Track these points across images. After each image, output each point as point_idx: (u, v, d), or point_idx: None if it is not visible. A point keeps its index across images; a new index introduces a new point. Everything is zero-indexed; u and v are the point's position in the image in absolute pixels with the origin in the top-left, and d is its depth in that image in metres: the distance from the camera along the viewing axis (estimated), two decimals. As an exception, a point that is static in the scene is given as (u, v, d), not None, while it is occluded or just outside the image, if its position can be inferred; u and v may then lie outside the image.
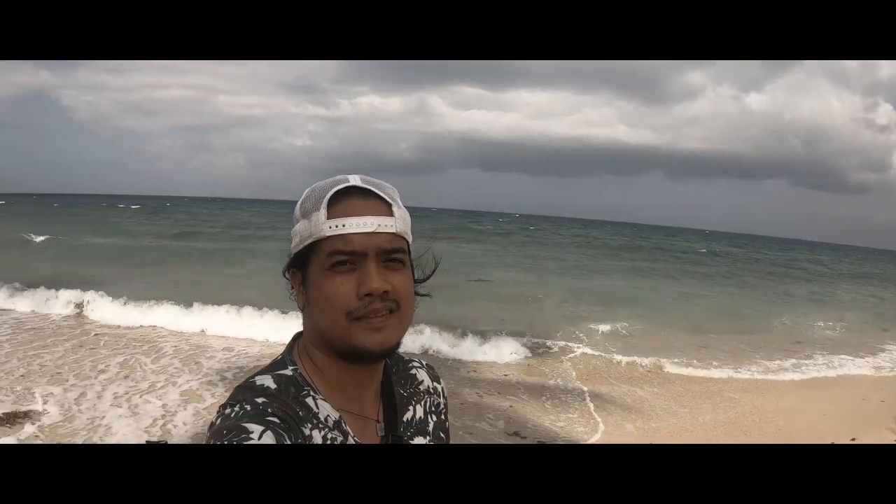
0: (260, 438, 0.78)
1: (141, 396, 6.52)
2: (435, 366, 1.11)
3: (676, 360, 9.69)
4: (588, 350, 9.94)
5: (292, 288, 0.96)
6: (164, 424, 5.83)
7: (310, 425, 0.87)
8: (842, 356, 11.03)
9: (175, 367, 7.73)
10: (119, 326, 9.74)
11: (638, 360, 9.46)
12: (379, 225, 0.88)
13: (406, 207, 0.93)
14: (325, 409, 0.90)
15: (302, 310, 0.94)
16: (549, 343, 10.05)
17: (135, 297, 10.83)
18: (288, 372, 0.91)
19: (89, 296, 10.81)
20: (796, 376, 9.48)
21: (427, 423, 1.07)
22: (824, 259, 51.37)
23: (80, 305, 10.63)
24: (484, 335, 9.82)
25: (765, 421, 7.04)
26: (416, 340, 9.36)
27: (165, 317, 10.08)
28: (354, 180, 0.91)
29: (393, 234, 0.90)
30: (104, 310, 10.38)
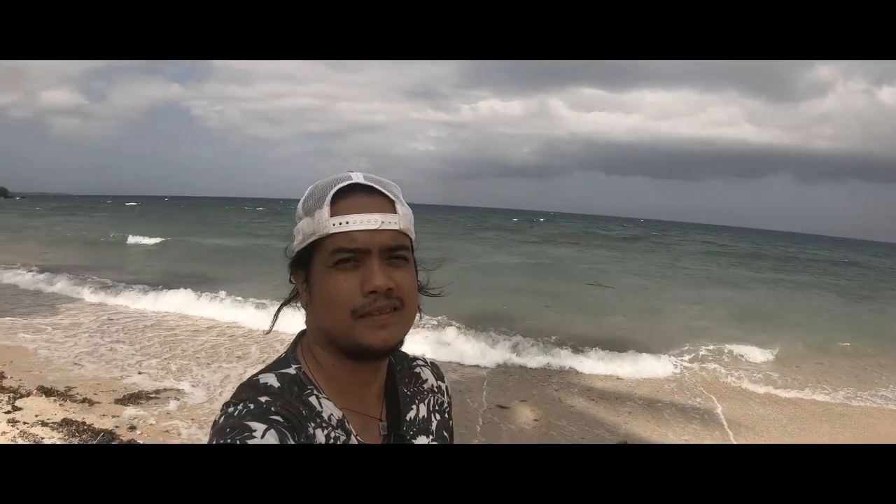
0: (263, 437, 0.77)
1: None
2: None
3: (798, 377, 9.02)
4: (709, 363, 9.47)
5: (296, 293, 0.97)
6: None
7: (313, 424, 0.86)
8: None
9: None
10: (249, 326, 10.17)
11: (759, 375, 8.94)
12: (382, 222, 0.88)
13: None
14: (329, 408, 0.90)
15: (305, 308, 0.95)
16: (669, 355, 9.63)
17: (263, 295, 11.36)
18: (291, 370, 0.91)
19: (220, 294, 11.52)
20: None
21: (430, 423, 1.06)
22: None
23: (205, 301, 11.25)
24: (602, 344, 9.60)
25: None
26: (528, 348, 9.28)
27: (287, 315, 10.55)
28: (357, 177, 0.90)
29: (396, 231, 0.89)
30: (233, 307, 10.94)
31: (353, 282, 0.87)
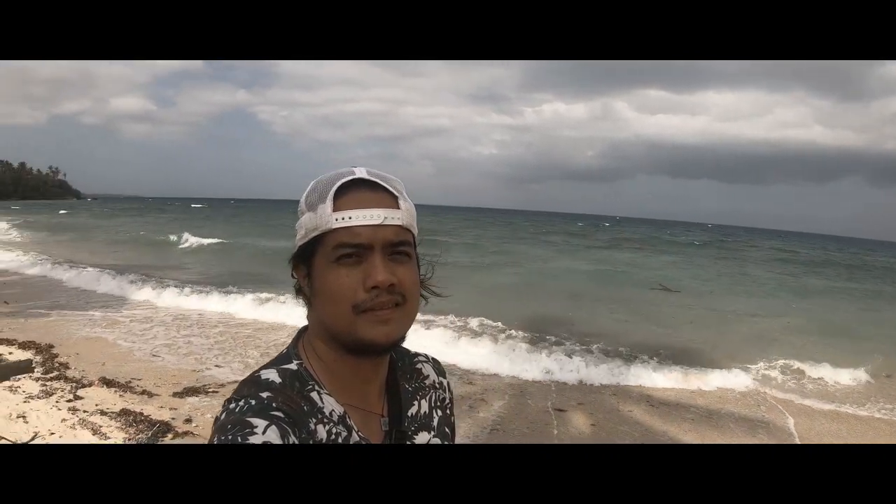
0: (264, 433, 0.77)
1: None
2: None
3: (868, 393, 8.49)
4: (775, 374, 9.08)
5: (299, 289, 0.96)
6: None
7: (314, 420, 0.86)
8: None
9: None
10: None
11: (826, 390, 8.53)
12: (385, 217, 0.87)
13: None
14: (330, 404, 0.89)
15: (307, 304, 0.94)
16: (734, 366, 9.20)
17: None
18: (293, 366, 0.91)
19: (286, 295, 11.33)
20: None
21: (432, 418, 1.05)
22: None
23: (271, 302, 11.37)
24: (664, 352, 9.40)
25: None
26: (587, 353, 9.09)
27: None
28: (360, 172, 0.90)
29: (399, 226, 0.89)
30: (297, 308, 11.10)
31: (355, 277, 0.86)
